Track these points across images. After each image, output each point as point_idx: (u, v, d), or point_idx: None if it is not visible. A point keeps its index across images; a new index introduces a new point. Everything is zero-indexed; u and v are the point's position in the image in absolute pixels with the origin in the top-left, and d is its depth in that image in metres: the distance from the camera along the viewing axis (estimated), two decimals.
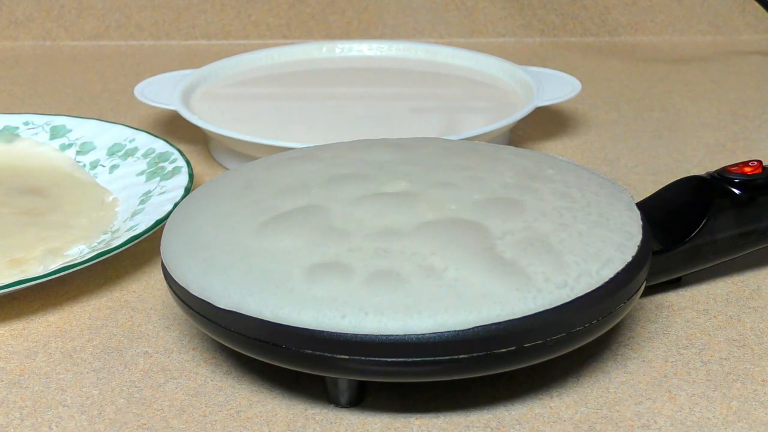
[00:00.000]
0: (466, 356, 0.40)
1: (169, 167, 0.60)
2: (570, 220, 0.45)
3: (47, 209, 0.58)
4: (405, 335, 0.40)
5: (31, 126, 0.67)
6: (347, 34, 0.94)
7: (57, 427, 0.42)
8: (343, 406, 0.43)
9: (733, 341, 0.48)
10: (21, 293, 0.52)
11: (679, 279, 0.52)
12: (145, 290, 0.53)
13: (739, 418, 0.42)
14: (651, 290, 0.51)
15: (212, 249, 0.44)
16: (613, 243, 0.44)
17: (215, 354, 0.47)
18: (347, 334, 0.40)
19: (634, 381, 0.45)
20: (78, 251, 0.54)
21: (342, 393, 0.43)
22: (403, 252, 0.42)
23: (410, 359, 0.40)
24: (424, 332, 0.40)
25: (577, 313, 0.41)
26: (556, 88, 0.70)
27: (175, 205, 0.55)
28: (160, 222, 0.53)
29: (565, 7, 0.95)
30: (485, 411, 0.43)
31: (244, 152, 0.64)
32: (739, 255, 0.51)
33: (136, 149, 0.63)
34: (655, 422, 0.42)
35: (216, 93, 0.72)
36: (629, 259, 0.44)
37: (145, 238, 0.57)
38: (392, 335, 0.40)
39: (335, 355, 0.40)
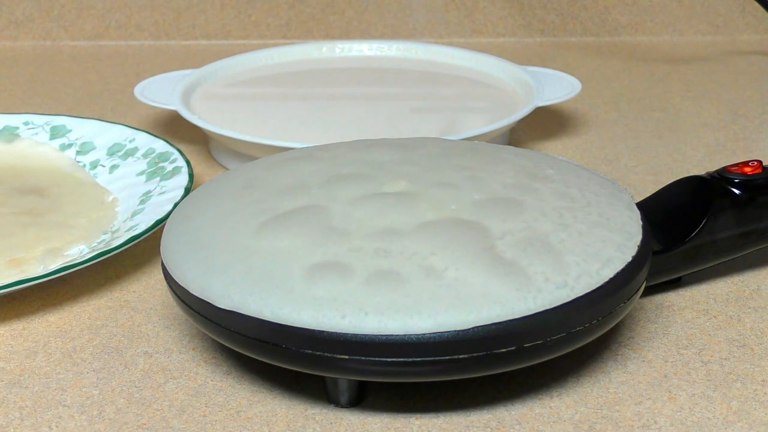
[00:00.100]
0: (466, 356, 0.40)
1: (169, 167, 0.60)
2: (570, 220, 0.45)
3: (47, 209, 0.58)
4: (405, 335, 0.40)
5: (31, 126, 0.67)
6: (347, 34, 0.94)
7: (57, 427, 0.42)
8: (343, 406, 0.43)
9: (733, 341, 0.48)
10: (21, 293, 0.52)
11: (679, 279, 0.52)
12: (145, 290, 0.53)
13: (739, 418, 0.42)
14: (651, 290, 0.51)
15: (212, 249, 0.44)
16: (613, 243, 0.44)
17: (215, 354, 0.47)
18: (347, 334, 0.40)
19: (634, 381, 0.45)
20: (78, 251, 0.54)
21: (342, 393, 0.43)
22: (403, 252, 0.42)
23: (410, 359, 0.40)
24: (424, 332, 0.40)
25: (577, 313, 0.41)
26: (556, 88, 0.70)
27: (175, 205, 0.55)
28: (160, 222, 0.53)
29: (565, 7, 0.95)
30: (485, 411, 0.43)
31: (244, 152, 0.64)
32: (739, 255, 0.51)
33: (136, 149, 0.63)
34: (655, 422, 0.42)
35: (216, 93, 0.72)
36: (629, 259, 0.44)
37: (145, 238, 0.57)
38: (392, 335, 0.40)
39: (335, 355, 0.40)
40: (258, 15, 0.94)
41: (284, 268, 0.42)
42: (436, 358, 0.40)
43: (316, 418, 0.43)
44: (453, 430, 0.42)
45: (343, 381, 0.42)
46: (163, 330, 0.49)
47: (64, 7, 0.94)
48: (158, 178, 0.59)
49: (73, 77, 0.85)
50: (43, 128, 0.66)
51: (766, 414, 0.43)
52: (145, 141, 0.63)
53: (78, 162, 0.64)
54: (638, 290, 0.44)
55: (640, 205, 0.52)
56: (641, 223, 0.46)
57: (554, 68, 0.84)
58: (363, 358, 0.40)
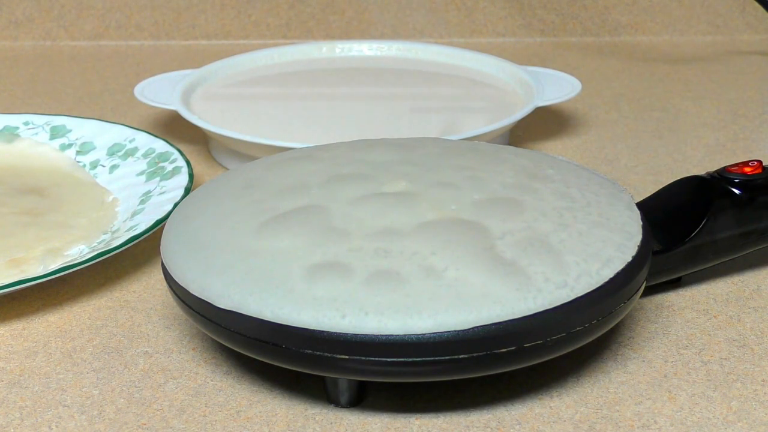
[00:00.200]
0: (466, 356, 0.40)
1: (169, 167, 0.60)
2: (570, 220, 0.45)
3: (47, 209, 0.58)
4: (405, 335, 0.40)
5: (31, 126, 0.67)
6: (347, 34, 0.94)
7: (57, 427, 0.42)
8: (343, 406, 0.43)
9: (733, 341, 0.48)
10: (21, 293, 0.52)
11: (679, 279, 0.52)
12: (145, 290, 0.53)
13: (739, 418, 0.42)
14: (651, 290, 0.51)
15: (212, 249, 0.44)
16: (613, 243, 0.44)
17: (215, 354, 0.47)
18: (347, 334, 0.40)
19: (634, 381, 0.45)
20: (78, 251, 0.54)
21: (342, 393, 0.43)
22: (403, 252, 0.42)
23: (410, 359, 0.40)
24: (424, 332, 0.40)
25: (577, 313, 0.41)
26: (556, 88, 0.70)
27: (175, 205, 0.55)
28: (160, 222, 0.53)
29: (565, 7, 0.95)
30: (485, 411, 0.43)
31: (244, 152, 0.64)
32: (739, 255, 0.51)
33: (136, 149, 0.63)
34: (655, 422, 0.42)
35: (216, 93, 0.72)
36: (629, 259, 0.44)
37: (145, 238, 0.57)
38: (392, 335, 0.40)
39: (335, 355, 0.40)
40: (258, 15, 0.94)
41: (284, 268, 0.42)
42: (436, 358, 0.40)
43: (316, 418, 0.43)
44: (453, 430, 0.42)
45: (343, 381, 0.42)
46: (163, 330, 0.49)
47: (64, 7, 0.94)
48: (158, 178, 0.59)
49: (73, 77, 0.85)
50: (43, 128, 0.66)
51: (766, 414, 0.43)
52: (145, 141, 0.63)
53: (78, 162, 0.64)
54: (638, 290, 0.44)
55: (640, 205, 0.52)
56: (641, 223, 0.46)
57: (554, 68, 0.84)
58: (363, 358, 0.40)
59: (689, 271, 0.50)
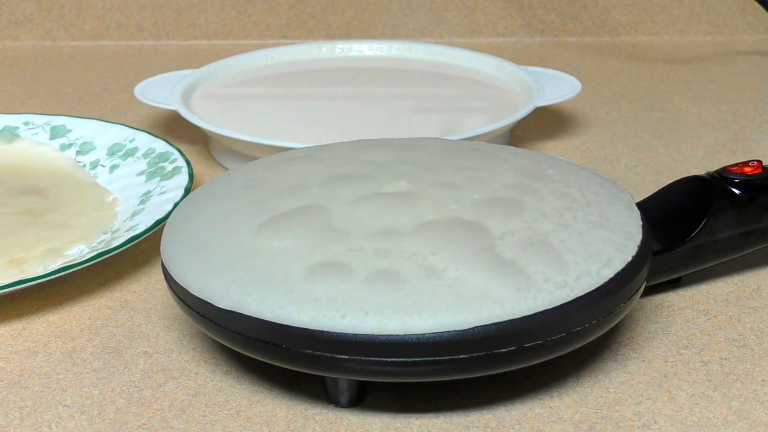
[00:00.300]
0: (466, 356, 0.40)
1: (169, 167, 0.60)
2: (570, 220, 0.45)
3: (47, 209, 0.58)
4: (405, 335, 0.40)
5: (31, 126, 0.67)
6: (347, 34, 0.94)
7: (57, 427, 0.42)
8: (343, 406, 0.43)
9: (733, 341, 0.48)
10: (21, 293, 0.52)
11: (679, 279, 0.52)
12: (145, 290, 0.53)
13: (739, 418, 0.42)
14: (651, 290, 0.51)
15: (212, 249, 0.44)
16: (613, 243, 0.44)
17: (215, 354, 0.47)
18: (347, 334, 0.40)
19: (634, 381, 0.45)
20: (78, 251, 0.54)
21: (342, 393, 0.43)
22: (403, 252, 0.42)
23: (410, 359, 0.40)
24: (424, 332, 0.40)
25: (577, 313, 0.41)
26: (556, 88, 0.70)
27: (175, 205, 0.55)
28: (160, 222, 0.53)
29: (565, 7, 0.95)
30: (485, 411, 0.43)
31: (244, 152, 0.64)
32: (739, 255, 0.51)
33: (136, 149, 0.63)
34: (655, 422, 0.42)
35: (216, 93, 0.72)
36: (629, 259, 0.44)
37: (145, 238, 0.57)
38: (392, 335, 0.40)
39: (335, 355, 0.40)
40: (258, 15, 0.94)
41: (284, 268, 0.42)
42: (436, 358, 0.40)
43: (316, 418, 0.43)
44: (453, 430, 0.42)
45: (343, 381, 0.42)
46: (163, 330, 0.49)
47: (64, 7, 0.94)
48: (158, 178, 0.59)
49: (73, 77, 0.85)
50: (43, 128, 0.66)
51: (766, 414, 0.43)
52: (145, 141, 0.63)
53: (78, 162, 0.64)
54: (638, 290, 0.44)
55: (640, 205, 0.52)
56: (641, 223, 0.46)
57: (554, 68, 0.84)
58: (363, 358, 0.40)
59: (689, 271, 0.50)
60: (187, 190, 0.56)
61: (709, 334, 0.48)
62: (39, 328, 0.49)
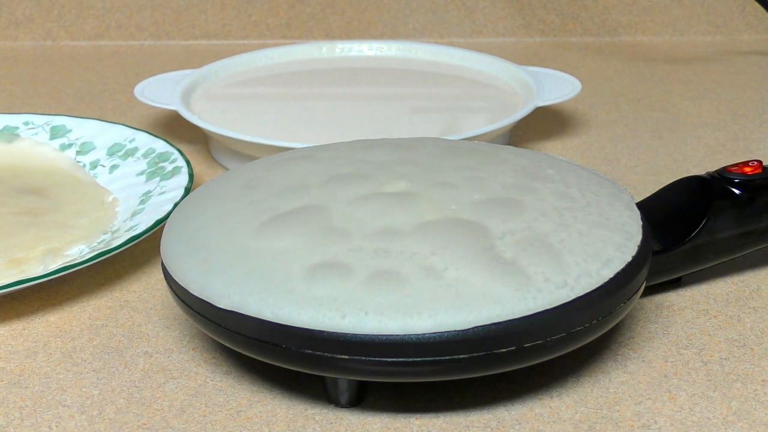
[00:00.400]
0: (466, 356, 0.40)
1: (169, 167, 0.60)
2: (570, 220, 0.45)
3: (47, 209, 0.58)
4: (405, 335, 0.40)
5: (31, 126, 0.67)
6: (347, 34, 0.94)
7: (57, 427, 0.42)
8: (343, 406, 0.43)
9: (733, 341, 0.48)
10: (21, 293, 0.52)
11: (679, 279, 0.52)
12: (145, 290, 0.53)
13: (739, 418, 0.42)
14: (651, 290, 0.51)
15: (212, 249, 0.44)
16: (613, 243, 0.44)
17: (215, 354, 0.47)
18: (347, 334, 0.40)
19: (634, 381, 0.45)
20: (78, 251, 0.54)
21: (342, 393, 0.43)
22: (403, 252, 0.42)
23: (410, 359, 0.40)
24: (424, 332, 0.40)
25: (577, 313, 0.41)
26: (556, 88, 0.70)
27: (175, 205, 0.55)
28: (160, 222, 0.53)
29: (565, 7, 0.95)
30: (485, 411, 0.43)
31: (244, 152, 0.64)
32: (739, 255, 0.51)
33: (136, 149, 0.63)
34: (655, 422, 0.42)
35: (216, 93, 0.72)
36: (629, 259, 0.44)
37: (145, 238, 0.57)
38: (392, 335, 0.40)
39: (335, 355, 0.40)
40: (258, 15, 0.94)
41: (284, 268, 0.42)
42: (436, 358, 0.40)
43: (316, 418, 0.43)
44: (453, 430, 0.42)
45: (343, 381, 0.42)
46: (163, 330, 0.49)
47: (64, 7, 0.94)
48: (158, 178, 0.59)
49: (73, 77, 0.85)
50: (43, 128, 0.66)
51: (766, 414, 0.43)
52: (145, 141, 0.63)
53: (78, 162, 0.64)
54: (638, 290, 0.44)
55: (640, 205, 0.52)
56: (641, 223, 0.46)
57: (554, 68, 0.84)
58: (363, 358, 0.40)
59: (689, 271, 0.50)
60: (187, 190, 0.56)
61: (709, 334, 0.48)
62: (39, 328, 0.49)
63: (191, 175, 0.58)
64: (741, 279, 0.53)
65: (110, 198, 0.60)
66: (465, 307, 0.40)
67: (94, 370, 0.46)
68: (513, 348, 0.40)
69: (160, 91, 0.70)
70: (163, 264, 0.46)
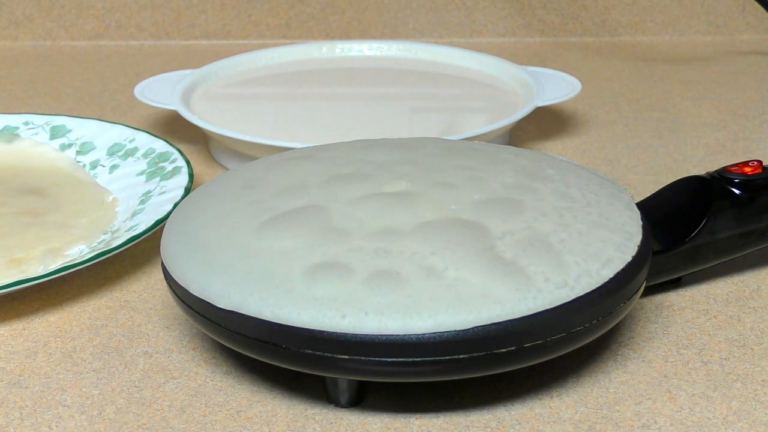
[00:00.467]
0: (466, 356, 0.40)
1: (169, 167, 0.60)
2: (570, 220, 0.45)
3: (47, 209, 0.58)
4: (405, 335, 0.40)
5: (31, 126, 0.67)
6: (347, 34, 0.94)
7: (57, 427, 0.42)
8: (343, 406, 0.43)
9: (733, 341, 0.48)
10: (21, 293, 0.52)
11: (679, 279, 0.52)
12: (145, 290, 0.53)
13: (739, 418, 0.42)
14: (651, 290, 0.51)
15: (212, 249, 0.44)
16: (613, 243, 0.44)
17: (215, 354, 0.47)
18: (347, 334, 0.40)
19: (634, 381, 0.45)
20: (78, 251, 0.54)
21: (342, 393, 0.43)
22: (403, 252, 0.42)
23: (410, 359, 0.40)
24: (424, 332, 0.40)
25: (577, 313, 0.41)
26: (556, 88, 0.70)
27: (175, 205, 0.55)
28: (160, 222, 0.53)
29: (565, 7, 0.95)
30: (485, 411, 0.43)
31: (244, 152, 0.64)
32: (739, 255, 0.51)
33: (136, 149, 0.63)
34: (655, 422, 0.42)
35: (216, 93, 0.72)
36: (629, 259, 0.44)
37: (145, 238, 0.57)
38: (392, 335, 0.40)
39: (335, 355, 0.40)
40: (258, 15, 0.94)
41: (284, 268, 0.42)
42: (436, 358, 0.40)
43: (316, 418, 0.43)
44: (453, 430, 0.42)
45: (343, 381, 0.42)
46: (163, 330, 0.49)
47: (64, 7, 0.94)
48: (158, 178, 0.59)
49: (73, 77, 0.85)
50: (43, 128, 0.66)
51: (766, 414, 0.43)
52: (145, 141, 0.63)
53: (78, 162, 0.64)
54: (638, 290, 0.44)
55: (640, 205, 0.52)
56: (641, 223, 0.46)
57: (554, 68, 0.84)
58: (363, 358, 0.40)
59: (689, 271, 0.50)
60: (187, 190, 0.56)
61: (709, 334, 0.48)
62: (39, 328, 0.49)
63: (191, 175, 0.58)
64: (741, 279, 0.53)
65: (110, 198, 0.60)
66: (465, 307, 0.40)
67: (94, 370, 0.46)
68: (513, 348, 0.40)
69: (160, 91, 0.70)
70: (163, 264, 0.46)
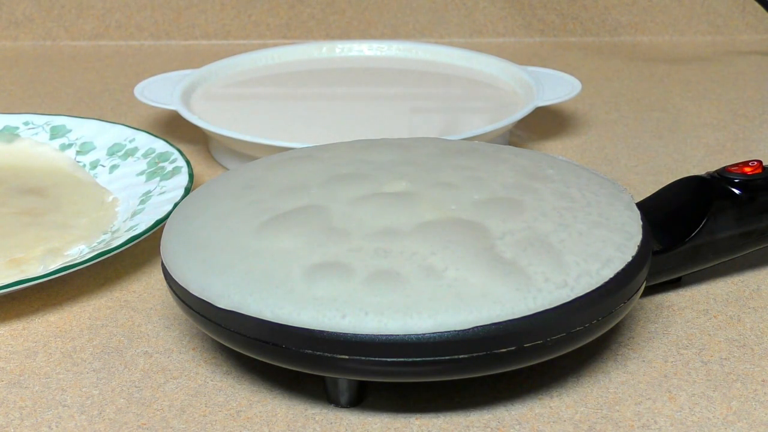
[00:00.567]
0: (466, 356, 0.40)
1: (169, 167, 0.60)
2: (570, 220, 0.45)
3: (47, 209, 0.58)
4: (405, 335, 0.40)
5: (31, 126, 0.67)
6: (347, 34, 0.94)
7: (57, 427, 0.42)
8: (343, 406, 0.43)
9: (733, 341, 0.48)
10: (21, 293, 0.52)
11: (679, 279, 0.52)
12: (145, 290, 0.53)
13: (739, 418, 0.42)
14: (651, 290, 0.51)
15: (212, 249, 0.44)
16: (613, 243, 0.44)
17: (215, 354, 0.47)
18: (347, 334, 0.40)
19: (634, 381, 0.45)
20: (78, 251, 0.54)
21: (342, 393, 0.43)
22: (403, 252, 0.42)
23: (410, 359, 0.40)
24: (424, 332, 0.40)
25: (577, 313, 0.41)
26: (556, 88, 0.70)
27: (175, 205, 0.55)
28: (160, 222, 0.53)
29: (565, 7, 0.95)
30: (485, 411, 0.43)
31: (244, 152, 0.64)
32: (739, 255, 0.51)
33: (136, 149, 0.63)
34: (655, 422, 0.42)
35: (216, 93, 0.72)
36: (629, 259, 0.44)
37: (145, 238, 0.57)
38: (392, 335, 0.40)
39: (335, 355, 0.40)
40: (258, 15, 0.94)
41: (284, 268, 0.42)
42: (436, 358, 0.40)
43: (316, 418, 0.43)
44: (453, 430, 0.42)
45: (343, 381, 0.42)
46: (163, 330, 0.49)
47: (64, 7, 0.94)
48: (158, 178, 0.59)
49: (73, 77, 0.85)
50: (43, 128, 0.66)
51: (766, 414, 0.43)
52: (145, 141, 0.63)
53: (78, 162, 0.64)
54: (638, 290, 0.44)
55: (640, 205, 0.52)
56: (641, 223, 0.46)
57: (554, 68, 0.84)
58: (363, 358, 0.40)
59: (689, 271, 0.50)
60: (187, 190, 0.56)
61: (709, 334, 0.48)
62: (39, 328, 0.49)
63: (191, 175, 0.58)
64: (741, 279, 0.53)
65: (110, 198, 0.60)
66: (465, 307, 0.40)
67: (94, 370, 0.46)
68: (513, 348, 0.40)
69: (160, 91, 0.70)
70: (163, 264, 0.46)
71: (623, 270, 0.43)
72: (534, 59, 0.89)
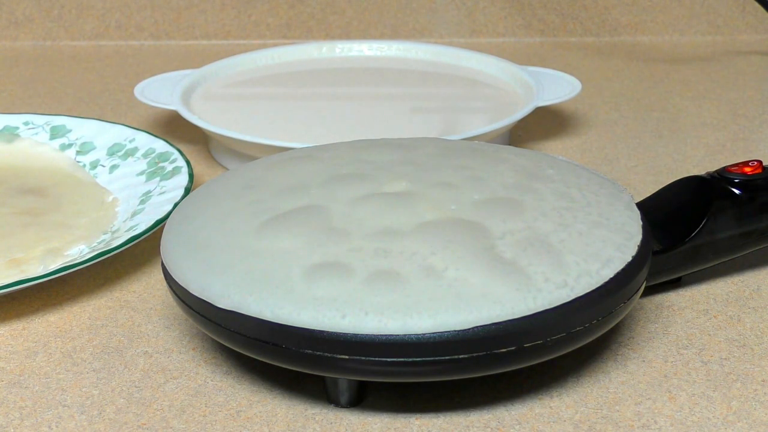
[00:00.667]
0: (466, 356, 0.40)
1: (169, 167, 0.60)
2: (570, 220, 0.45)
3: (47, 209, 0.58)
4: (405, 335, 0.40)
5: (31, 126, 0.67)
6: (347, 34, 0.94)
7: (57, 427, 0.42)
8: (343, 406, 0.43)
9: (733, 341, 0.48)
10: (21, 293, 0.52)
11: (679, 279, 0.52)
12: (145, 290, 0.53)
13: (739, 418, 0.42)
14: (651, 290, 0.51)
15: (212, 249, 0.44)
16: (613, 243, 0.44)
17: (215, 354, 0.47)
18: (347, 334, 0.40)
19: (634, 381, 0.45)
20: (78, 251, 0.54)
21: (342, 393, 0.43)
22: (403, 252, 0.42)
23: (410, 359, 0.40)
24: (424, 332, 0.40)
25: (577, 313, 0.41)
26: (556, 88, 0.70)
27: (175, 205, 0.55)
28: (160, 222, 0.53)
29: (565, 7, 0.95)
30: (485, 411, 0.43)
31: (244, 152, 0.64)
32: (739, 255, 0.51)
33: (136, 149, 0.63)
34: (655, 422, 0.42)
35: (216, 93, 0.72)
36: (629, 259, 0.44)
37: (145, 238, 0.57)
38: (392, 335, 0.40)
39: (335, 355, 0.40)
40: (258, 15, 0.94)
41: (284, 268, 0.42)
42: (436, 358, 0.40)
43: (316, 418, 0.43)
44: (453, 430, 0.42)
45: (343, 381, 0.42)
46: (163, 330, 0.49)
47: (64, 7, 0.94)
48: (158, 178, 0.59)
49: (73, 77, 0.85)
50: (43, 128, 0.66)
51: (766, 414, 0.43)
52: (145, 141, 0.63)
53: (78, 162, 0.64)
54: (638, 290, 0.44)
55: (640, 205, 0.52)
56: (641, 223, 0.46)
57: (554, 68, 0.84)
58: (363, 358, 0.40)
59: (689, 271, 0.50)
60: (187, 190, 0.56)
61: (709, 334, 0.48)
62: (39, 328, 0.49)
63: (191, 175, 0.58)
64: (741, 279, 0.53)
65: (110, 198, 0.60)
66: (465, 307, 0.40)
67: (94, 370, 0.46)
68: (513, 348, 0.40)
69: (160, 91, 0.70)
70: (163, 264, 0.46)
71: (623, 270, 0.43)
72: (534, 59, 0.89)
